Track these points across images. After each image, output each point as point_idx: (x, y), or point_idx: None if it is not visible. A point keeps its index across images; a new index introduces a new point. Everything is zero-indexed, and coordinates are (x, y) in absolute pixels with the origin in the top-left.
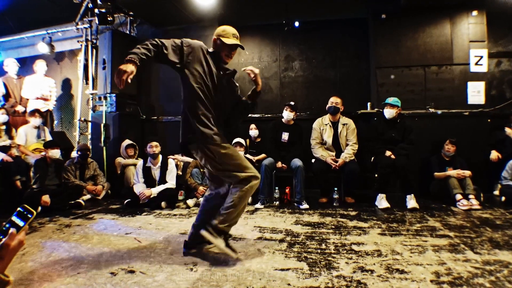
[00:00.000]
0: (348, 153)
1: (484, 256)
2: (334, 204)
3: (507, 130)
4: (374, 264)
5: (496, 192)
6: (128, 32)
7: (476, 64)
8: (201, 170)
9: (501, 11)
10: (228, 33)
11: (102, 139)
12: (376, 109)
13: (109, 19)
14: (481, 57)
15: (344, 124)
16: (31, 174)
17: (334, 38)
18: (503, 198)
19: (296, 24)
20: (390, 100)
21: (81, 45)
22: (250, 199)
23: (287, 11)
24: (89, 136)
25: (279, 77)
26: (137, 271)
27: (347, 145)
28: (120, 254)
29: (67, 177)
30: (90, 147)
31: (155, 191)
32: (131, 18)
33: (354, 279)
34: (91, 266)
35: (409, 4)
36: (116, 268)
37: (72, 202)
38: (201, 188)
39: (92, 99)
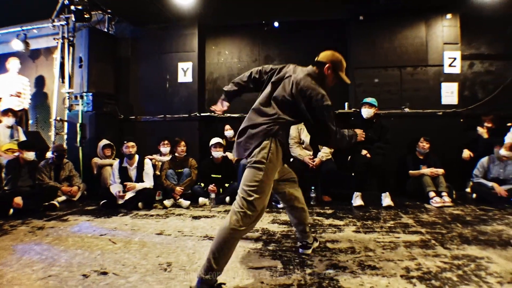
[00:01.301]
0: (325, 152)
1: (453, 251)
2: (311, 202)
3: (479, 129)
4: (347, 261)
5: (468, 190)
6: (106, 30)
7: (450, 65)
8: (176, 170)
9: (474, 15)
10: (343, 67)
11: (78, 139)
12: (353, 109)
13: (86, 16)
14: (455, 58)
15: None
16: (3, 175)
17: (314, 38)
18: (474, 195)
19: (276, 24)
20: (369, 99)
21: (57, 42)
22: (228, 199)
23: (267, 11)
24: (65, 136)
25: None
26: (110, 272)
27: None
28: (93, 256)
29: (41, 178)
30: (66, 147)
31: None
32: (109, 16)
33: (326, 276)
34: (63, 269)
35: (387, 7)
36: (88, 270)
37: (46, 203)
38: (178, 188)
39: (68, 98)
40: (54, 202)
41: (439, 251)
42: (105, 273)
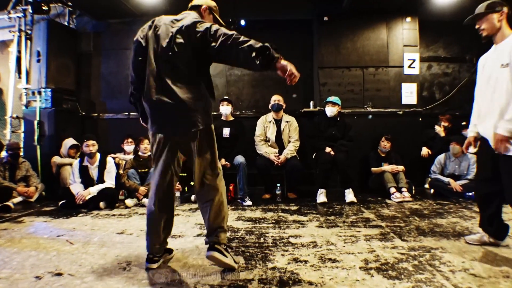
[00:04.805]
0: (290, 150)
1: (410, 243)
2: (277, 200)
3: (437, 128)
4: (308, 255)
5: (427, 185)
6: (66, 24)
7: (409, 67)
8: (139, 170)
9: (431, 19)
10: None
11: (36, 138)
12: (318, 108)
13: (44, 8)
14: (414, 60)
15: (287, 122)
16: None
17: (281, 38)
18: (432, 191)
19: (242, 22)
20: (332, 98)
21: (13, 35)
22: (193, 197)
23: (235, 10)
24: (22, 135)
25: (225, 75)
26: (65, 273)
27: (289, 142)
28: (48, 257)
29: None
30: (22, 145)
31: (93, 190)
32: (69, 9)
33: (287, 270)
34: (14, 271)
35: (350, 8)
36: (42, 272)
37: (0, 205)
38: (142, 188)
39: (25, 94)
40: (9, 203)
41: (397, 243)
42: (60, 274)
